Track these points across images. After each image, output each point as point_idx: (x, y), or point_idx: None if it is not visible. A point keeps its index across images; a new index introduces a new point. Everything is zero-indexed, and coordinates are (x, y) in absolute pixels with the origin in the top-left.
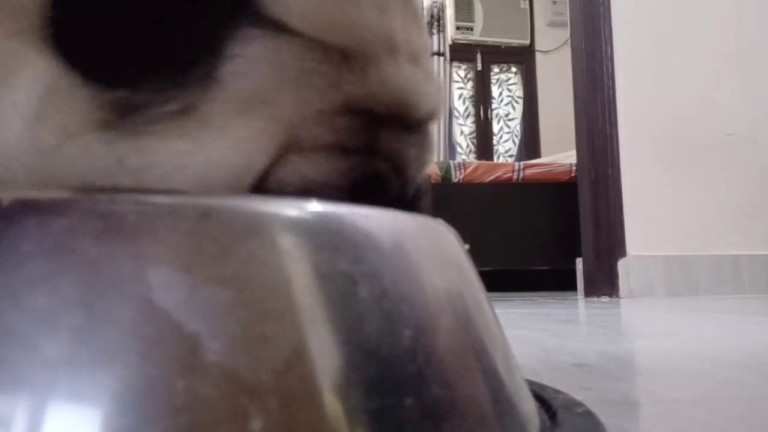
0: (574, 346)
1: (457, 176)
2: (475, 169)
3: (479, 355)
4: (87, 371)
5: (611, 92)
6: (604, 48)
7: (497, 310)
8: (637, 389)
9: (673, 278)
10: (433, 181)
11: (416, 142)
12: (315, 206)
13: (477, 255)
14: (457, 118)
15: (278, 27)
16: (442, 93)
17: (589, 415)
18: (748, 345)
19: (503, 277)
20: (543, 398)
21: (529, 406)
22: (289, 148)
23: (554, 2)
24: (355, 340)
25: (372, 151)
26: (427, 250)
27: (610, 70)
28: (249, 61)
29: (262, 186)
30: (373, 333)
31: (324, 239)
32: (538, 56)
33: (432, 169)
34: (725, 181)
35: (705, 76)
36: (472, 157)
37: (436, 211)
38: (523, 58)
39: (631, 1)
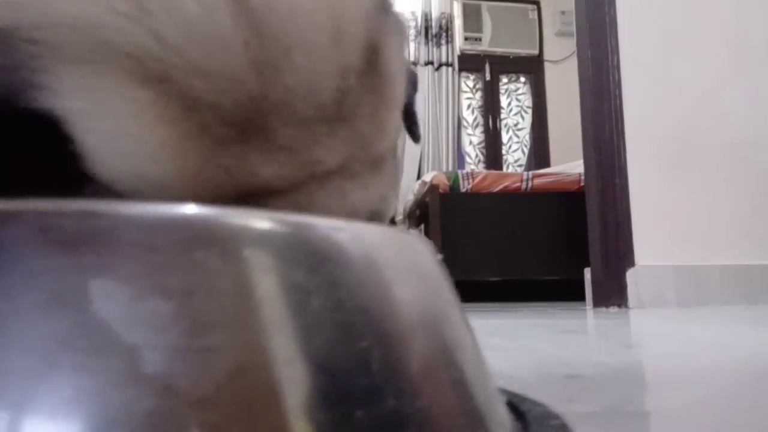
0: (572, 357)
1: (465, 186)
2: (484, 178)
3: (445, 366)
4: (20, 382)
5: (618, 101)
6: (610, 57)
7: (503, 321)
8: (623, 401)
9: (684, 288)
10: (441, 191)
11: None
12: (270, 216)
13: (486, 265)
14: (466, 128)
15: (116, 195)
16: (362, 194)
17: (563, 428)
18: (749, 356)
19: (513, 287)
20: (520, 410)
21: (499, 418)
22: None
23: (563, 12)
24: (304, 351)
25: None
26: (392, 261)
27: (616, 79)
28: None
29: None
30: (323, 345)
31: (277, 250)
32: (547, 66)
33: (440, 179)
34: (736, 189)
35: (712, 83)
36: (481, 167)
37: (444, 221)
38: (531, 67)
39: (637, 11)
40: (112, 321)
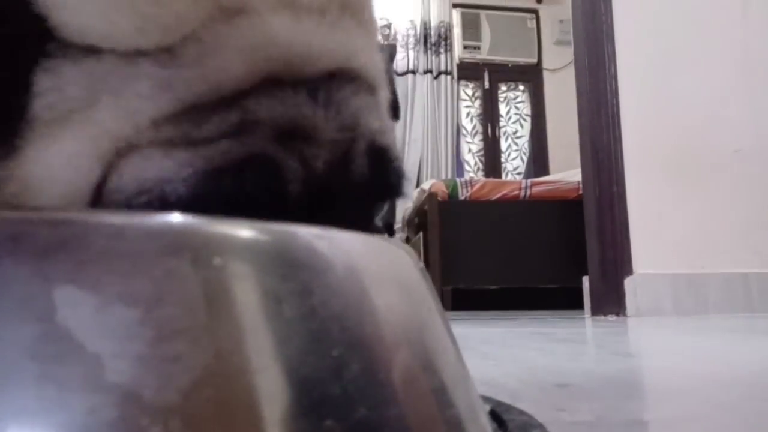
0: (563, 366)
1: (464, 194)
2: (482, 186)
3: (424, 374)
4: None
5: (615, 109)
6: (607, 66)
7: (498, 329)
8: (611, 410)
9: (681, 296)
10: (440, 199)
11: (322, 104)
12: (243, 224)
13: (485, 273)
14: (465, 136)
15: (85, 50)
16: (358, 40)
17: None
18: (742, 364)
19: (512, 295)
20: (502, 420)
21: (481, 427)
22: (122, 154)
23: (561, 21)
24: (274, 360)
25: (242, 129)
26: (371, 269)
27: (614, 88)
28: (61, 88)
29: (104, 194)
30: (294, 353)
31: (250, 257)
32: (546, 74)
33: (439, 186)
34: (733, 197)
35: (710, 91)
36: (480, 175)
37: (443, 229)
38: (530, 76)
39: (634, 19)
40: (77, 329)
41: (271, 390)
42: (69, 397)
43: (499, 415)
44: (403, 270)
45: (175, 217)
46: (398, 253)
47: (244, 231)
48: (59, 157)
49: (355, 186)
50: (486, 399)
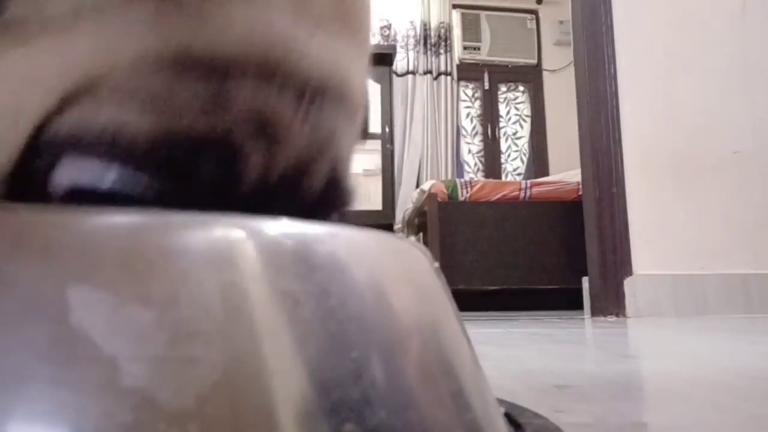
0: (562, 367)
1: (463, 194)
2: (482, 187)
3: (441, 377)
4: None
5: (615, 111)
6: (607, 67)
7: (498, 330)
8: (610, 412)
9: (681, 297)
10: (440, 200)
11: (304, 113)
12: (259, 222)
13: (484, 274)
14: (465, 136)
15: None
16: (350, 64)
17: None
18: (741, 366)
19: (512, 296)
20: (518, 422)
21: (498, 430)
22: (84, 92)
23: (561, 22)
24: (292, 362)
25: (215, 108)
26: (388, 269)
27: (613, 89)
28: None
29: (46, 133)
30: (313, 355)
31: (266, 256)
32: (546, 75)
33: (439, 187)
34: (732, 198)
35: (710, 92)
36: (480, 176)
37: (443, 229)
38: (530, 77)
39: (634, 20)
40: (91, 331)
41: (290, 393)
42: (83, 400)
43: (514, 418)
44: (420, 270)
45: (191, 216)
46: (414, 253)
47: (260, 230)
48: (10, 75)
49: (302, 201)
50: (500, 402)
